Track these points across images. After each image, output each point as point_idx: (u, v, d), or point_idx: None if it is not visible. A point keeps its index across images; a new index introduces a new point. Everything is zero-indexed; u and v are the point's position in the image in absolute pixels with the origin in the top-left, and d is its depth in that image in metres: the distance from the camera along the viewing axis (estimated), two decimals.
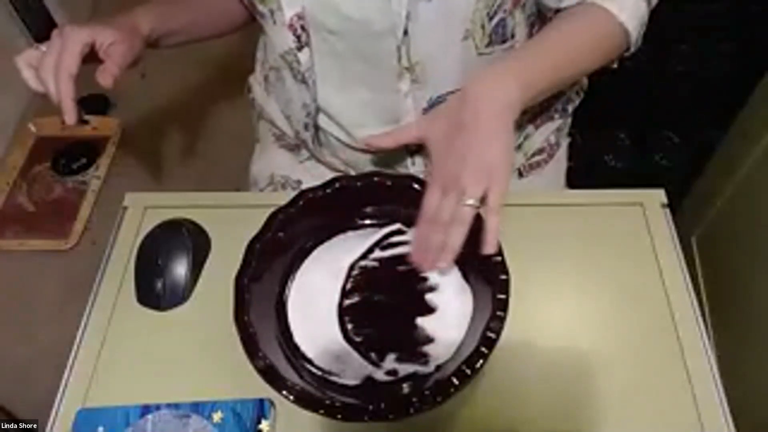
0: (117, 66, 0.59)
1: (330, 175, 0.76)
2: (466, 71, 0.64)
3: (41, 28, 1.82)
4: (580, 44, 0.61)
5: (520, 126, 0.78)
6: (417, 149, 0.71)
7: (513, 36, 0.65)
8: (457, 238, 0.52)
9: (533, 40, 0.62)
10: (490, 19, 0.61)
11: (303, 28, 0.62)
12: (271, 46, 0.69)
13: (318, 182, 0.60)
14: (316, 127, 0.74)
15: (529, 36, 0.69)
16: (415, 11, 0.58)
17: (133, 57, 0.62)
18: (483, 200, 0.52)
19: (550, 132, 0.82)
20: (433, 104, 0.67)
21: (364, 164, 0.76)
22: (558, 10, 0.65)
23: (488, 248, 0.51)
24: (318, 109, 0.71)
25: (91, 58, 0.59)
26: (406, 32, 0.59)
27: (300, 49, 0.64)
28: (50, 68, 0.57)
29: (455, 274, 0.58)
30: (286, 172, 0.83)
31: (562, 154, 0.86)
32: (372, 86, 0.67)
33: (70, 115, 0.58)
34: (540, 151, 0.81)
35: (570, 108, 0.82)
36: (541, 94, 0.59)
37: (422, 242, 0.54)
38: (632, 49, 0.66)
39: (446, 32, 0.61)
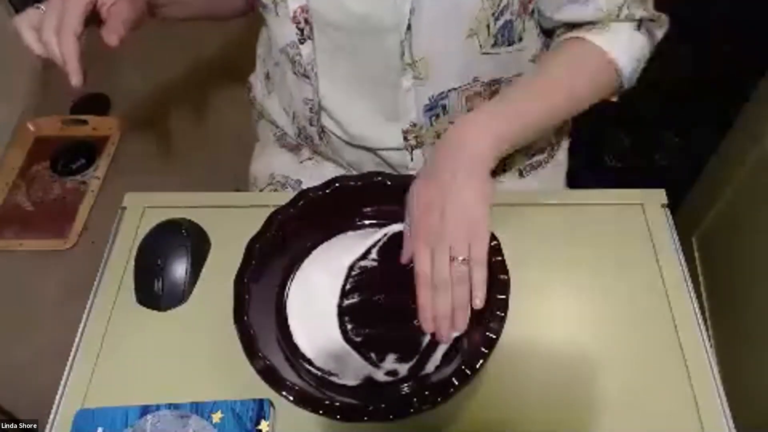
0: (121, 24, 0.56)
1: (330, 175, 0.76)
2: (469, 69, 0.64)
3: None
4: (568, 92, 0.61)
5: None
6: (416, 144, 0.71)
7: (521, 40, 0.65)
8: (464, 297, 0.52)
9: (520, 86, 0.62)
10: (496, 19, 0.60)
11: (306, 21, 0.62)
12: (272, 40, 0.69)
13: (318, 182, 0.60)
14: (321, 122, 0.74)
15: (542, 44, 0.69)
16: (419, 7, 0.58)
17: (135, 18, 0.59)
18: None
19: (551, 132, 0.82)
20: (434, 102, 0.67)
21: (363, 160, 0.76)
22: (552, 32, 0.66)
23: (477, 303, 0.52)
24: (320, 104, 0.71)
25: (91, 21, 0.57)
26: (409, 27, 0.59)
27: (302, 42, 0.64)
28: (52, 28, 0.54)
29: None
30: (286, 172, 0.83)
31: (562, 154, 0.86)
32: (374, 82, 0.67)
33: (76, 76, 0.54)
34: (541, 150, 0.81)
35: None
36: (523, 142, 0.60)
37: (428, 309, 0.53)
38: (626, 86, 0.66)
39: (450, 29, 0.61)
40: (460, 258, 0.52)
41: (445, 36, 0.61)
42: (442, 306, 0.52)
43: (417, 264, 0.53)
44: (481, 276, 0.52)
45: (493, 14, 0.60)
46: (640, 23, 0.63)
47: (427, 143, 0.71)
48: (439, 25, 0.60)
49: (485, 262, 0.52)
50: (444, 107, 0.67)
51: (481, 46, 0.62)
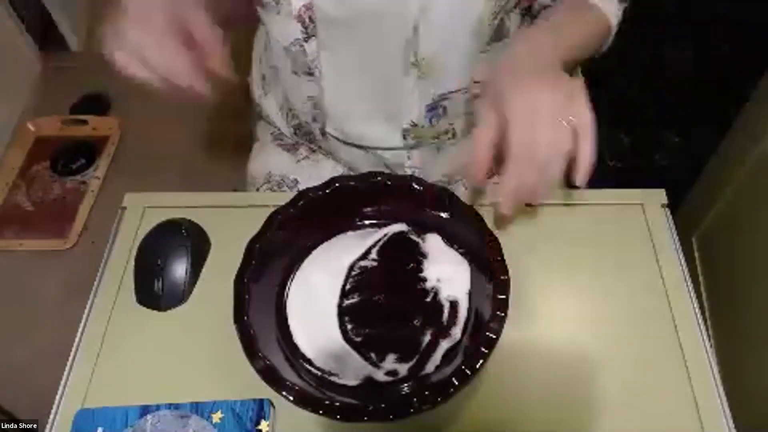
0: (219, 47, 0.54)
1: (328, 174, 0.77)
2: (470, 68, 0.65)
3: (40, 28, 1.82)
4: (592, 31, 0.64)
5: None
6: (415, 144, 0.71)
7: (507, 35, 0.66)
8: (557, 166, 0.51)
9: (563, 14, 0.62)
10: (494, 18, 0.61)
11: (311, 18, 0.62)
12: (272, 39, 0.69)
13: (315, 182, 0.60)
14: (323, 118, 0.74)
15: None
16: (429, 5, 0.58)
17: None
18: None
19: None
20: (436, 102, 0.67)
21: (358, 160, 0.76)
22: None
23: (579, 179, 0.51)
24: (323, 102, 0.71)
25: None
26: (416, 27, 0.59)
27: (307, 39, 0.64)
28: (159, 56, 0.52)
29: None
30: (283, 171, 0.83)
31: None
32: (377, 79, 0.67)
33: (201, 88, 0.53)
34: None
35: None
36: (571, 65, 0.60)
37: (512, 193, 0.52)
38: (603, 50, 0.70)
39: (456, 29, 0.61)
40: (567, 120, 0.50)
41: (451, 35, 0.61)
42: (528, 184, 0.51)
43: (514, 138, 0.50)
44: (587, 148, 0.51)
45: (493, 13, 0.60)
46: None
47: (426, 143, 0.71)
48: (447, 25, 0.60)
49: (592, 134, 0.51)
50: (444, 108, 0.67)
51: (480, 44, 0.63)
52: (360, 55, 0.65)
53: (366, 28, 0.61)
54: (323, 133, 0.75)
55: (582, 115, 0.51)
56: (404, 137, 0.70)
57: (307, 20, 0.62)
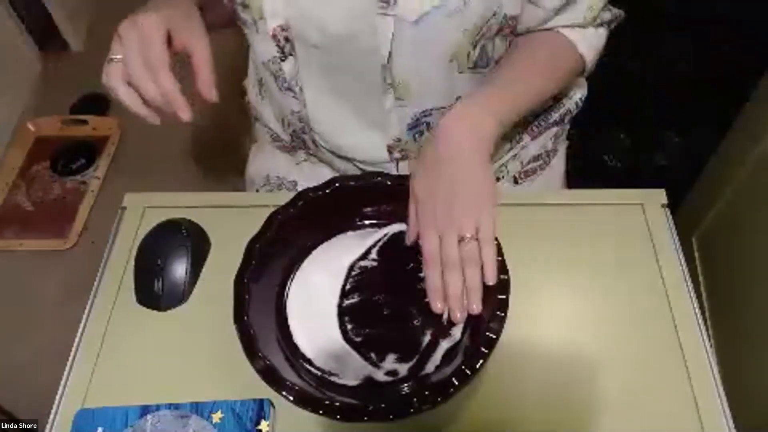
0: (209, 71, 0.55)
1: (326, 176, 0.76)
2: (450, 89, 0.65)
3: (40, 28, 1.82)
4: (548, 77, 0.66)
5: (517, 138, 0.78)
6: (402, 157, 0.71)
7: (495, 59, 0.66)
8: (475, 276, 0.52)
9: (505, 70, 0.64)
10: (474, 47, 0.61)
11: (287, 39, 0.62)
12: (254, 55, 0.69)
13: (314, 183, 0.60)
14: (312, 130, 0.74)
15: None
16: (401, 33, 0.57)
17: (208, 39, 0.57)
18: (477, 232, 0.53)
19: (547, 139, 0.81)
20: (417, 120, 0.67)
21: (353, 171, 0.76)
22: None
23: (489, 280, 0.52)
24: (308, 116, 0.71)
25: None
26: (390, 53, 0.59)
27: (283, 59, 0.64)
28: (144, 75, 0.52)
29: None
30: (281, 173, 0.83)
31: (559, 159, 0.85)
32: (356, 99, 0.67)
33: (185, 112, 0.53)
34: (536, 157, 0.81)
35: (567, 118, 0.82)
36: (511, 125, 0.61)
37: (438, 289, 0.53)
38: (585, 75, 0.72)
39: (431, 55, 0.61)
40: (468, 235, 0.52)
41: (427, 61, 0.61)
42: (454, 285, 0.52)
43: (425, 245, 0.54)
44: (491, 253, 0.52)
45: (471, 43, 0.60)
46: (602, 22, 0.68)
47: (413, 156, 0.71)
48: (421, 51, 0.60)
49: (494, 240, 0.53)
50: (428, 124, 0.67)
51: (459, 66, 0.62)
52: (338, 76, 0.65)
53: (342, 52, 0.61)
54: (315, 144, 0.75)
55: (485, 227, 0.53)
56: (390, 152, 0.70)
57: (282, 40, 0.62)
